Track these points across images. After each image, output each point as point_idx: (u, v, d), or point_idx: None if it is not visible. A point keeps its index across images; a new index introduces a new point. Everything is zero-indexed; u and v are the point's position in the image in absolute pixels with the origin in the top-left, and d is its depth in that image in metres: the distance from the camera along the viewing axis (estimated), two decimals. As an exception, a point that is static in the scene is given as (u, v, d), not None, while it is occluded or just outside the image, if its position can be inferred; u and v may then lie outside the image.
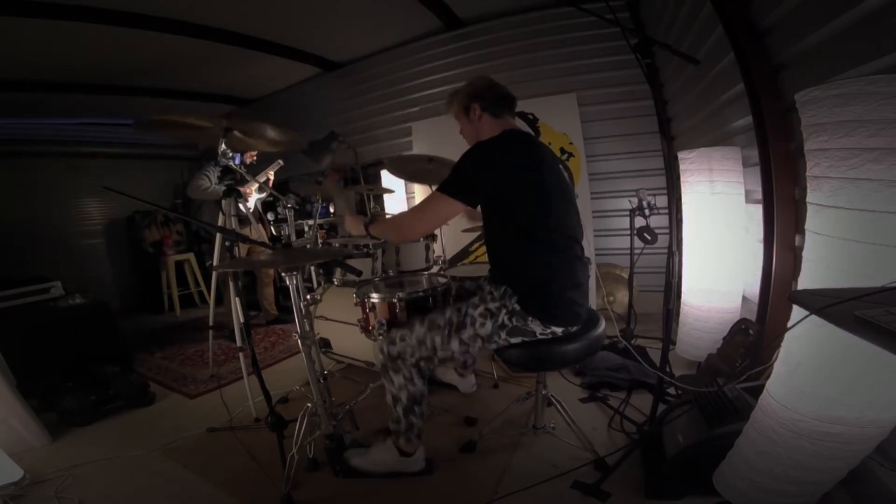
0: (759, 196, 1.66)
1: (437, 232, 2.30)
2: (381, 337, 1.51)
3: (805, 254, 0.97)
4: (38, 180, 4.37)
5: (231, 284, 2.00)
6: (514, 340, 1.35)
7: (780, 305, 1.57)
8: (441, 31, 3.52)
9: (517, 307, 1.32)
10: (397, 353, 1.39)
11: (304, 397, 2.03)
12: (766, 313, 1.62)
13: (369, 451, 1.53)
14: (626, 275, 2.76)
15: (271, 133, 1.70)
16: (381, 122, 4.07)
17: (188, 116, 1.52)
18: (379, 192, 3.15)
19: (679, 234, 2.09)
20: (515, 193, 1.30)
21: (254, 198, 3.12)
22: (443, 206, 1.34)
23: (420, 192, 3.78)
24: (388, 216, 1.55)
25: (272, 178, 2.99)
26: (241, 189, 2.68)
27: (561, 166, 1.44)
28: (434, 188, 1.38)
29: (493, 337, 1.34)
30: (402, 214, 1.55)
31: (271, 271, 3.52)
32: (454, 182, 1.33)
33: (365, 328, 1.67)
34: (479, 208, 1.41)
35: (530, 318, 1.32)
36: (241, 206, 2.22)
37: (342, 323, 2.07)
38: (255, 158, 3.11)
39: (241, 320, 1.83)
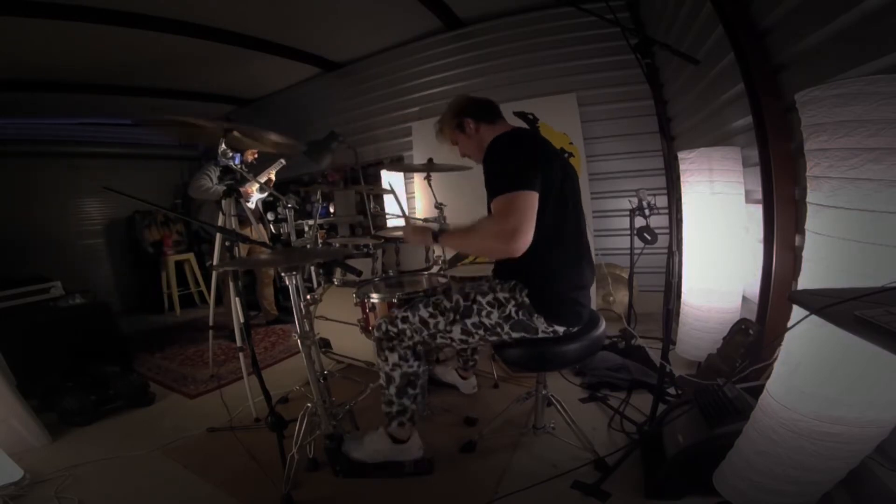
0: (759, 196, 1.66)
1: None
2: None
3: (805, 254, 0.97)
4: (38, 180, 4.37)
5: (231, 284, 2.00)
6: (515, 335, 1.35)
7: (780, 305, 1.57)
8: (441, 31, 3.52)
9: (527, 300, 1.32)
10: (396, 333, 1.40)
11: (304, 397, 2.03)
12: (766, 313, 1.62)
13: (363, 442, 1.53)
14: (626, 275, 2.76)
15: (272, 138, 1.68)
16: (381, 122, 4.06)
17: (188, 117, 1.50)
18: (379, 192, 3.16)
19: (679, 234, 2.09)
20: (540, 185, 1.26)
21: (254, 197, 3.11)
22: (528, 203, 1.19)
23: (420, 193, 3.78)
24: (461, 228, 1.35)
25: (273, 178, 2.99)
26: (242, 189, 2.68)
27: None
28: (495, 196, 1.23)
29: (496, 328, 1.34)
30: (490, 227, 1.25)
31: (271, 271, 3.52)
32: (520, 174, 1.21)
33: (365, 328, 1.67)
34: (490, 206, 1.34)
35: (536, 315, 1.32)
36: (242, 205, 2.22)
37: (342, 323, 2.07)
38: (256, 157, 3.11)
39: (241, 320, 1.83)
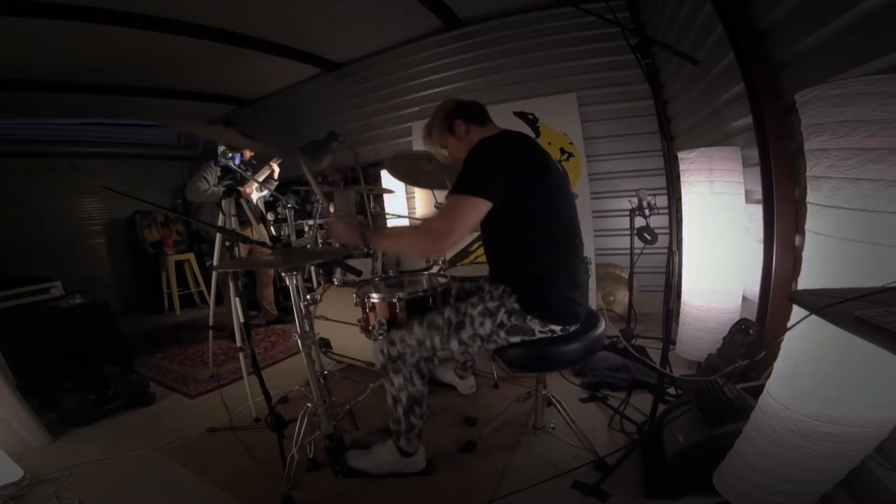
0: (759, 196, 1.66)
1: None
2: (380, 337, 1.50)
3: (805, 254, 0.97)
4: (38, 180, 4.37)
5: (231, 284, 2.00)
6: (513, 339, 1.35)
7: (780, 305, 1.57)
8: (441, 31, 3.52)
9: (516, 306, 1.32)
10: (397, 355, 1.39)
11: (304, 397, 2.03)
12: (766, 313, 1.62)
13: (370, 452, 1.53)
14: (626, 275, 2.76)
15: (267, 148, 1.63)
16: (381, 122, 4.06)
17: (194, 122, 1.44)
18: (379, 192, 3.16)
19: (679, 234, 2.09)
20: (524, 190, 1.27)
21: (255, 196, 3.10)
22: (471, 210, 1.22)
23: (420, 193, 3.78)
24: (393, 227, 1.39)
25: (276, 168, 2.97)
26: (242, 189, 2.67)
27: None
28: (448, 194, 1.28)
29: (493, 336, 1.34)
30: (426, 223, 1.32)
31: (270, 271, 3.52)
32: (478, 180, 1.24)
33: (365, 328, 1.67)
34: None
35: (529, 317, 1.32)
36: (242, 205, 2.21)
37: (342, 323, 2.07)
38: (253, 153, 3.08)
39: (241, 320, 1.84)
